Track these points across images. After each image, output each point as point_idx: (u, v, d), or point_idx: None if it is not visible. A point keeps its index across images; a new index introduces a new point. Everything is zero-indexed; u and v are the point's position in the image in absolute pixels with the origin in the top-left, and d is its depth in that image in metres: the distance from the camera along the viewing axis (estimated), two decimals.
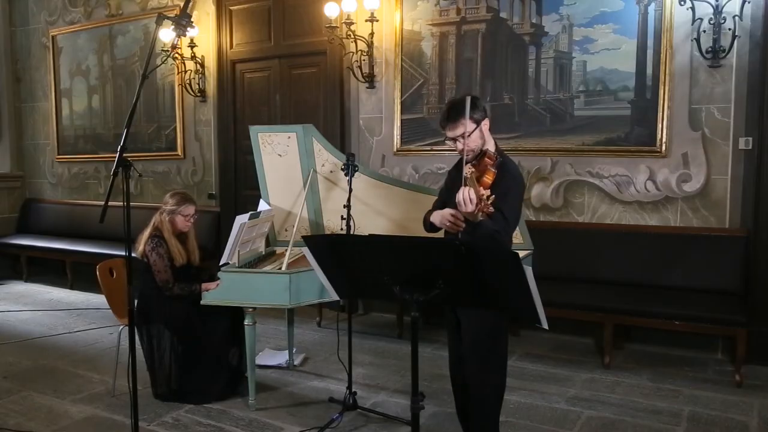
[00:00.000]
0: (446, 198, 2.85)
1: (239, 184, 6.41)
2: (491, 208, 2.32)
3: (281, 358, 4.42)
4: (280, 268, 3.64)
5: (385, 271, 2.15)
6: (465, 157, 2.61)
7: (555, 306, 3.96)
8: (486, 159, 2.59)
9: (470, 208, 2.34)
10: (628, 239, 4.59)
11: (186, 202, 3.80)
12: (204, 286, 3.66)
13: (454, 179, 2.81)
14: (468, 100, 2.58)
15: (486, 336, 2.72)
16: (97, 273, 3.92)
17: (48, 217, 7.73)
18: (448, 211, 2.64)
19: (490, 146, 2.70)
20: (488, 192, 2.35)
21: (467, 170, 2.50)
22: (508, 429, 3.26)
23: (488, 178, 2.51)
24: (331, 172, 3.98)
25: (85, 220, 7.17)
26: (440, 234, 2.79)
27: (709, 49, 4.23)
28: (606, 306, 4.23)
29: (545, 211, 4.95)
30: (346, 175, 3.50)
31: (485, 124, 2.67)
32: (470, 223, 2.48)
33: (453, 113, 2.63)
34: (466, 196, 2.35)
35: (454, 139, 2.66)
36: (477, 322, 2.69)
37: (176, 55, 6.30)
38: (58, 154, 7.80)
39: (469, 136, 2.59)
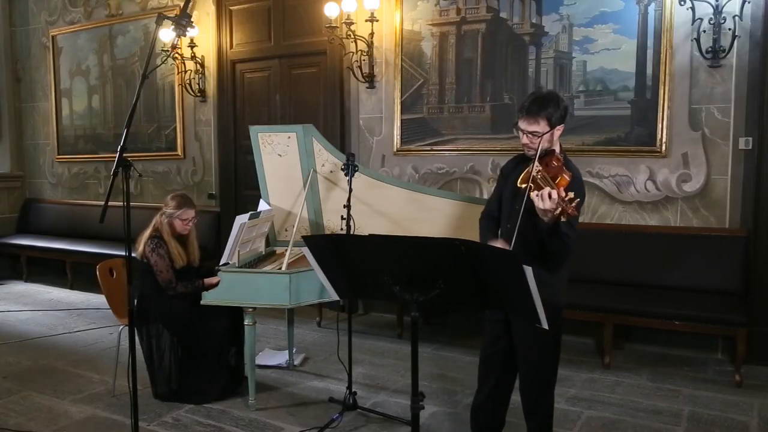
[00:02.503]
0: (500, 197, 2.77)
1: (239, 184, 6.41)
2: (576, 210, 2.24)
3: (281, 358, 4.42)
4: (280, 268, 3.64)
5: (385, 271, 2.15)
6: (527, 153, 2.56)
7: None
8: (554, 159, 2.47)
9: (550, 206, 2.25)
10: (628, 239, 4.59)
11: (185, 206, 3.78)
12: (207, 281, 3.66)
13: (510, 176, 2.70)
14: (552, 99, 2.52)
15: (545, 342, 2.66)
16: (97, 273, 3.92)
17: (48, 217, 7.73)
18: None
19: (556, 149, 2.61)
20: (571, 194, 2.27)
21: (535, 169, 2.40)
22: (508, 429, 3.25)
23: (565, 179, 2.38)
24: (331, 172, 3.98)
25: (85, 220, 7.17)
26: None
27: (709, 49, 4.23)
28: (606, 306, 4.23)
29: None
30: (346, 175, 3.50)
31: (559, 129, 2.57)
32: (545, 227, 2.38)
33: (534, 108, 2.51)
34: (545, 195, 2.27)
35: (524, 132, 2.56)
36: (539, 336, 2.55)
37: (176, 55, 6.30)
38: (58, 154, 7.80)
39: (540, 136, 2.51)
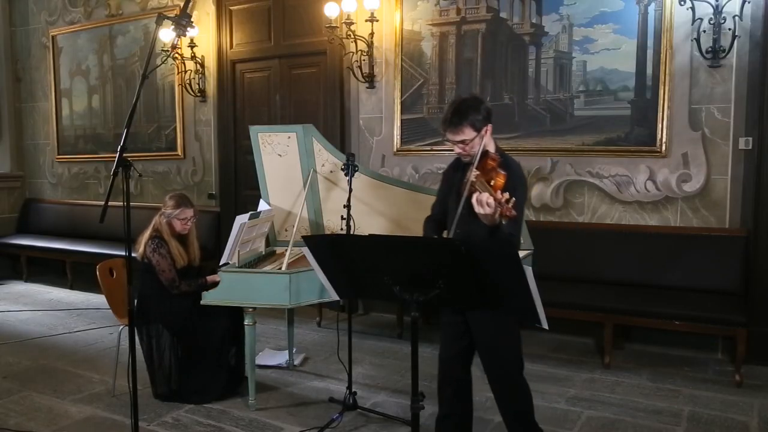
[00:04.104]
0: (445, 201, 2.81)
1: (239, 184, 6.41)
2: (514, 211, 2.26)
3: (281, 358, 4.42)
4: (280, 268, 3.64)
5: (385, 271, 2.15)
6: (464, 161, 2.59)
7: (555, 306, 3.95)
8: (489, 161, 2.52)
9: (489, 211, 2.29)
10: (628, 239, 4.59)
11: (183, 206, 3.78)
12: (209, 278, 3.67)
13: (452, 180, 2.77)
14: (471, 106, 2.55)
15: (507, 332, 2.67)
16: (97, 273, 3.92)
17: (48, 217, 7.72)
18: None
19: (491, 147, 2.65)
20: (507, 195, 2.29)
21: (473, 174, 2.45)
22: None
23: (500, 180, 2.42)
24: (331, 172, 3.98)
25: (85, 220, 7.17)
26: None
27: (709, 49, 4.23)
28: (606, 306, 4.23)
29: (545, 211, 4.95)
30: (346, 175, 3.50)
31: (487, 129, 2.61)
32: (488, 229, 2.41)
33: (455, 119, 2.57)
34: (483, 200, 2.30)
35: (453, 142, 2.62)
36: (492, 321, 2.63)
37: (176, 55, 6.29)
38: (58, 154, 7.80)
39: (469, 143, 2.56)
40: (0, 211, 7.91)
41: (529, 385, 2.74)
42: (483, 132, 2.59)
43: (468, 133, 2.56)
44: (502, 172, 2.46)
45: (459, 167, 2.75)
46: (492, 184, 2.39)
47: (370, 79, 5.50)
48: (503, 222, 2.32)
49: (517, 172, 2.63)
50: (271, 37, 6.09)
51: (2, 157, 8.07)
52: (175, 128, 6.75)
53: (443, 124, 2.65)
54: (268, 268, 3.80)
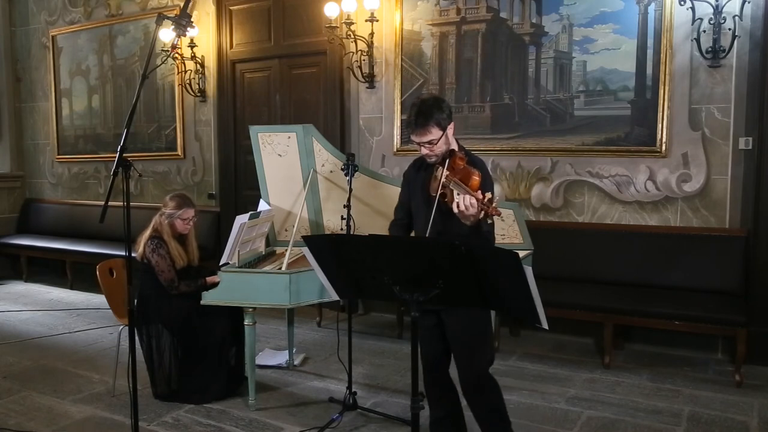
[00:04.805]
0: (408, 204, 2.81)
1: (239, 184, 6.41)
2: (498, 209, 2.27)
3: (281, 358, 4.42)
4: (280, 268, 3.64)
5: (385, 271, 2.15)
6: (429, 161, 2.61)
7: (555, 306, 3.96)
8: (458, 160, 2.51)
9: (472, 212, 2.30)
10: (628, 239, 4.59)
11: (185, 205, 3.79)
12: (209, 279, 3.67)
13: (415, 181, 2.77)
14: (433, 105, 2.56)
15: (479, 332, 2.70)
16: (97, 273, 3.92)
17: (48, 217, 7.72)
18: None
19: (454, 146, 2.65)
20: (489, 194, 2.30)
21: (443, 175, 2.44)
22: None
23: (476, 179, 2.42)
24: (331, 172, 3.98)
25: (85, 220, 7.17)
26: None
27: (709, 49, 4.23)
28: (606, 306, 4.23)
29: (545, 211, 4.95)
30: (346, 175, 3.50)
31: (450, 128, 2.62)
32: (465, 229, 2.42)
33: (421, 119, 2.55)
34: (467, 203, 2.30)
35: (420, 144, 2.61)
36: (466, 320, 2.66)
37: (176, 55, 6.29)
38: (58, 154, 7.80)
39: (436, 142, 2.56)
40: (0, 211, 7.91)
41: (497, 383, 2.76)
42: (447, 130, 2.60)
43: (435, 133, 2.56)
44: (476, 171, 2.45)
45: (421, 167, 2.75)
46: (469, 184, 2.38)
47: (370, 79, 5.50)
48: (488, 221, 2.32)
49: (485, 170, 2.64)
50: (271, 37, 6.09)
51: (2, 157, 8.07)
52: (175, 128, 6.75)
53: (409, 127, 2.64)
54: (268, 268, 3.80)
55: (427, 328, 2.73)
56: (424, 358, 2.77)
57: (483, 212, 2.29)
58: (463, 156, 2.55)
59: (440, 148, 2.59)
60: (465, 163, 2.50)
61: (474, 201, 2.30)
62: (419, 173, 2.76)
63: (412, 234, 2.84)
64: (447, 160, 2.52)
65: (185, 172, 6.75)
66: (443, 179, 2.46)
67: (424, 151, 2.61)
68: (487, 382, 2.74)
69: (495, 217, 2.34)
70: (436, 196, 2.49)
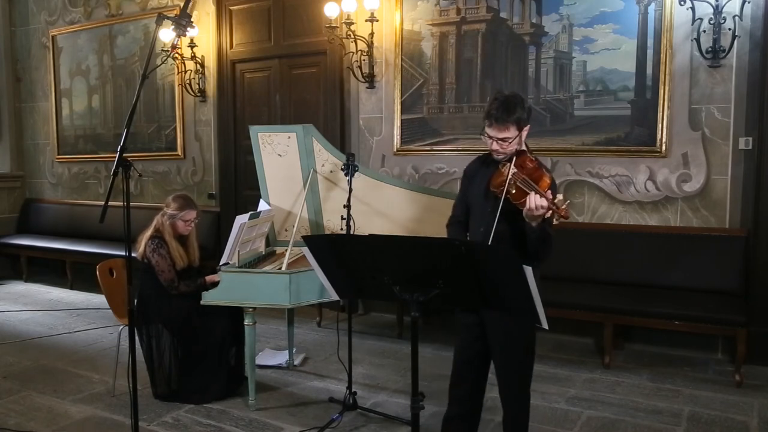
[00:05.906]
0: (469, 200, 2.71)
1: (239, 184, 6.41)
2: (568, 211, 2.25)
3: (281, 358, 4.42)
4: (280, 268, 3.64)
5: (385, 271, 2.15)
6: (496, 158, 2.54)
7: (555, 306, 3.96)
8: (527, 161, 2.45)
9: (540, 212, 2.27)
10: (628, 239, 4.59)
11: (188, 207, 3.78)
12: (209, 278, 3.67)
13: (477, 177, 2.67)
14: (518, 103, 2.49)
15: (525, 350, 2.63)
16: (97, 273, 3.92)
17: (48, 217, 7.72)
18: None
19: (524, 148, 2.59)
20: (560, 196, 2.28)
21: (510, 171, 2.39)
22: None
23: (546, 180, 2.37)
24: (331, 172, 3.98)
25: (85, 220, 7.17)
26: None
27: (709, 49, 4.23)
28: (606, 306, 4.23)
29: None
30: (346, 175, 3.50)
31: (526, 130, 2.55)
32: (536, 232, 2.39)
33: (503, 114, 2.46)
34: (538, 203, 2.27)
35: (492, 138, 2.52)
36: (515, 336, 2.58)
37: (176, 55, 6.29)
38: (58, 154, 7.80)
39: (510, 141, 2.49)
40: (0, 211, 7.91)
41: (530, 399, 2.71)
42: (523, 131, 2.53)
43: (512, 131, 2.47)
44: (546, 173, 2.42)
45: (483, 164, 2.67)
46: (539, 184, 2.34)
47: (370, 79, 5.50)
48: (555, 221, 2.29)
49: (551, 176, 2.56)
50: (271, 37, 6.09)
51: (2, 157, 8.07)
52: (175, 128, 6.75)
53: (488, 119, 2.51)
54: (268, 268, 3.80)
55: (467, 325, 2.68)
56: (458, 355, 2.72)
57: (551, 212, 2.27)
58: (534, 159, 2.49)
59: (512, 147, 2.50)
60: (536, 164, 2.45)
61: (544, 201, 2.27)
62: (481, 169, 2.67)
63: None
64: (514, 158, 2.47)
65: (185, 172, 6.75)
66: (509, 177, 2.40)
67: (495, 146, 2.52)
68: (521, 398, 2.67)
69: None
70: (502, 191, 2.41)
